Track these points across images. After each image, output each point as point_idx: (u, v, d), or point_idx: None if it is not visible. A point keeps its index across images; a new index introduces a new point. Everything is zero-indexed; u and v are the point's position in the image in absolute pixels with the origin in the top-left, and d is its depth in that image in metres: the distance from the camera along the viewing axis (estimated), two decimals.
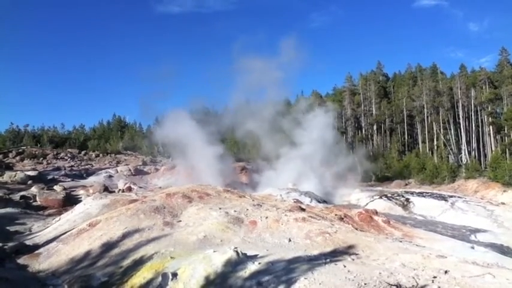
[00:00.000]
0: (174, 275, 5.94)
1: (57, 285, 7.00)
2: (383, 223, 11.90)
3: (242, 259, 6.21)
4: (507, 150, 33.98)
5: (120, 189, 21.21)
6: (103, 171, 28.00)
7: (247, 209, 10.91)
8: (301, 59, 41.95)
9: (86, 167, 30.16)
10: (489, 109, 40.63)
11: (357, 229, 10.42)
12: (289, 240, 8.44)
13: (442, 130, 41.90)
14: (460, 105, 41.80)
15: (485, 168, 32.15)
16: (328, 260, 6.68)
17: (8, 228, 11.56)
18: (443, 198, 20.54)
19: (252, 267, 5.99)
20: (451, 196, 21.29)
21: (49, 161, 30.78)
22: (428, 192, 23.34)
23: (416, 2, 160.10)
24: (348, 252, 7.49)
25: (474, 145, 42.19)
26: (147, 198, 12.46)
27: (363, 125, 50.03)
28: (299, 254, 7.29)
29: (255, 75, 34.26)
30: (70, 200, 16.83)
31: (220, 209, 10.76)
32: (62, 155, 34.09)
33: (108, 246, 8.30)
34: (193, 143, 26.05)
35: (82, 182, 23.78)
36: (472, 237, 13.98)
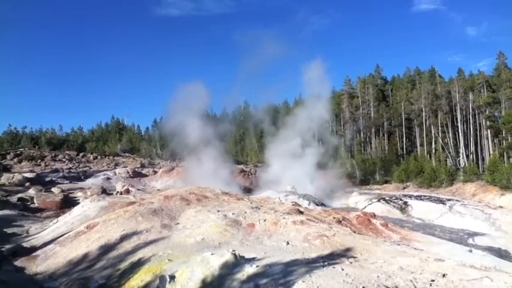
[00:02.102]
0: (172, 277, 5.92)
1: None
2: (381, 226, 11.89)
3: (240, 262, 6.20)
4: (505, 153, 34.02)
5: (118, 192, 21.22)
6: (101, 173, 27.97)
7: (246, 212, 10.89)
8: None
9: (84, 169, 30.11)
10: (487, 113, 40.69)
11: (355, 232, 10.41)
12: (287, 243, 8.42)
13: (440, 133, 41.93)
14: (458, 108, 41.89)
15: (483, 171, 32.22)
16: (326, 263, 6.68)
17: (5, 230, 11.53)
18: (441, 201, 20.58)
19: (249, 270, 5.98)
20: (449, 199, 21.33)
21: (47, 163, 30.73)
22: (426, 196, 23.39)
23: (415, 6, 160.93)
24: (346, 255, 7.48)
25: (472, 148, 42.25)
26: (145, 200, 12.44)
27: (361, 128, 50.04)
28: (297, 256, 7.28)
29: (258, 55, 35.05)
30: (68, 202, 16.80)
31: (218, 211, 10.74)
32: (60, 157, 34.04)
33: (106, 249, 8.28)
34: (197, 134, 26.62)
35: (80, 184, 23.74)
36: (470, 241, 14.02)
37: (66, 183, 23.27)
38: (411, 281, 5.80)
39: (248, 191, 25.02)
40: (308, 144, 30.42)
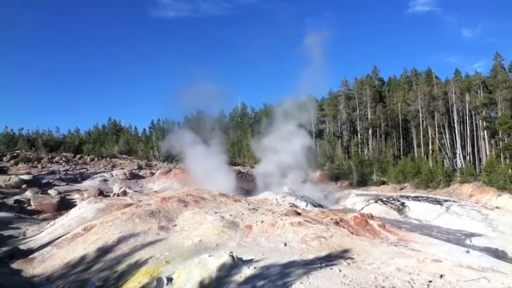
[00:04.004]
0: (169, 279, 5.91)
1: None
2: (378, 227, 11.91)
3: (237, 263, 6.19)
4: (501, 154, 34.14)
5: (115, 193, 21.16)
6: (98, 175, 27.89)
7: (243, 213, 10.89)
8: None
9: (81, 171, 30.04)
10: (483, 114, 40.81)
11: (352, 233, 10.43)
12: (285, 245, 8.43)
13: (437, 134, 42.05)
14: (455, 109, 42.01)
15: (480, 172, 32.30)
16: (323, 264, 6.68)
17: (2, 232, 11.47)
18: (438, 202, 20.62)
19: (247, 271, 5.98)
20: (446, 200, 21.37)
21: (44, 165, 30.63)
22: (423, 197, 23.43)
23: (410, 8, 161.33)
24: (343, 256, 7.49)
25: (469, 149, 42.38)
26: (142, 202, 12.41)
27: (358, 129, 50.10)
28: (294, 258, 7.28)
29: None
30: (65, 204, 16.75)
31: (215, 213, 10.73)
32: (56, 158, 33.95)
33: (103, 251, 8.26)
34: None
35: (77, 186, 23.67)
36: (467, 241, 14.06)
37: (63, 185, 23.21)
38: (408, 281, 5.81)
39: (245, 192, 25.00)
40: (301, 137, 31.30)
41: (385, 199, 22.19)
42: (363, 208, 20.60)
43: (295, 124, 31.72)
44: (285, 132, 30.53)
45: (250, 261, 6.73)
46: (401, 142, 47.67)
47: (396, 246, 9.13)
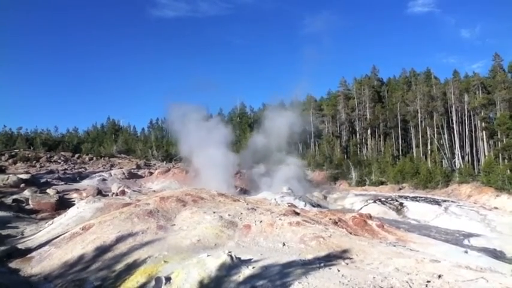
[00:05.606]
0: (168, 279, 5.90)
1: None
2: (377, 227, 11.91)
3: (236, 263, 6.18)
4: (500, 155, 34.21)
5: (113, 193, 21.15)
6: (96, 174, 27.88)
7: (242, 213, 10.88)
8: None
9: (80, 170, 30.02)
10: (482, 114, 40.87)
11: (351, 233, 10.42)
12: (284, 245, 8.42)
13: (435, 135, 42.11)
14: (454, 110, 42.06)
15: (479, 172, 32.33)
16: (322, 264, 6.68)
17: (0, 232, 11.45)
18: (436, 202, 20.64)
19: (246, 271, 5.97)
20: (445, 200, 21.40)
21: (42, 164, 30.60)
22: (422, 197, 23.45)
23: (409, 9, 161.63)
24: (342, 256, 7.48)
25: (467, 150, 42.42)
26: (140, 201, 12.40)
27: (357, 129, 50.17)
28: (293, 258, 7.27)
29: None
30: (63, 204, 16.72)
31: (214, 212, 10.72)
32: (55, 158, 33.92)
33: (101, 250, 8.24)
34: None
35: (75, 185, 23.65)
36: (466, 242, 14.06)
37: (62, 185, 23.18)
38: (407, 282, 5.81)
39: (244, 192, 25.00)
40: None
41: (383, 199, 22.20)
42: (361, 208, 20.59)
43: (287, 113, 32.54)
44: (273, 117, 31.35)
45: (249, 261, 6.72)
46: (400, 142, 47.70)
47: (395, 246, 9.12)
